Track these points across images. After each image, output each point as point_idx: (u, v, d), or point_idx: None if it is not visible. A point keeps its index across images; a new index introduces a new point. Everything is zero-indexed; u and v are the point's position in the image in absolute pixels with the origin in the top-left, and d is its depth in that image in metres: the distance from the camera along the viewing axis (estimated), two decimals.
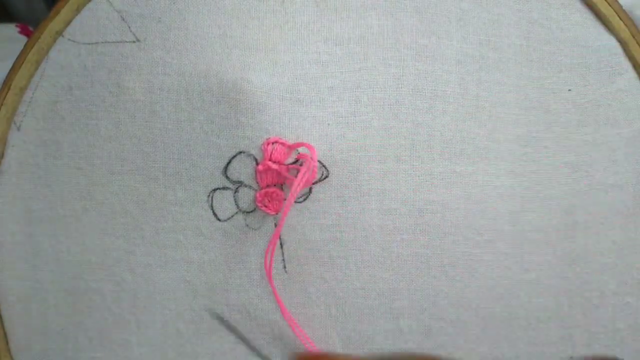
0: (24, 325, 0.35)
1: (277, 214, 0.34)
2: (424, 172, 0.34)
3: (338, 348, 0.35)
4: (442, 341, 0.36)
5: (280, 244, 0.34)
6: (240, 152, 0.33)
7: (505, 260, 0.35)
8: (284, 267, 0.34)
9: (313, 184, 0.33)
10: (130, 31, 0.32)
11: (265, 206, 0.34)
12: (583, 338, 0.36)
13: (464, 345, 0.36)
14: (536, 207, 0.35)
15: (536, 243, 0.35)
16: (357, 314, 0.35)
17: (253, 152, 0.33)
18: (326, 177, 0.33)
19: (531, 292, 0.36)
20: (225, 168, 0.33)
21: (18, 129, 0.34)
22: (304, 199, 0.34)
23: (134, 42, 0.32)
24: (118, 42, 0.32)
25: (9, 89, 0.33)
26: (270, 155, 0.33)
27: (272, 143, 0.33)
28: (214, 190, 0.34)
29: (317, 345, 0.35)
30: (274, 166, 0.33)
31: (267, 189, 0.33)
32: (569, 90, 0.34)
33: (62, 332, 0.35)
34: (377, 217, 0.34)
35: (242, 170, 0.33)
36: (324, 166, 0.33)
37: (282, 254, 0.34)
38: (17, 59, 0.32)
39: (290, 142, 0.33)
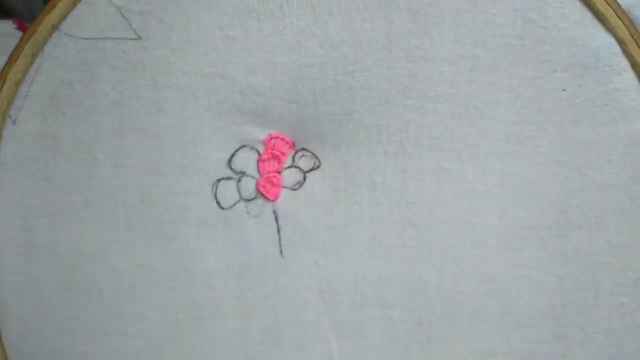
0: (18, 320, 0.36)
1: (275, 200, 0.36)
2: (412, 167, 0.35)
3: (330, 334, 0.37)
4: (432, 333, 0.36)
5: (278, 229, 0.36)
6: (243, 146, 0.35)
7: (496, 256, 0.36)
8: (281, 252, 0.36)
9: (306, 172, 0.35)
10: (131, 28, 0.33)
11: (266, 191, 0.36)
12: (578, 337, 0.36)
13: (454, 338, 0.36)
14: (527, 205, 0.35)
15: (527, 240, 0.35)
16: (348, 301, 0.36)
17: (256, 145, 0.36)
18: (318, 166, 0.35)
19: (523, 289, 0.36)
20: (230, 160, 0.35)
21: (13, 122, 0.34)
22: (299, 187, 0.36)
23: (135, 39, 0.33)
24: (119, 38, 0.33)
25: (4, 82, 0.33)
26: (273, 148, 0.36)
27: (274, 138, 0.35)
28: (219, 180, 0.36)
29: (310, 332, 0.37)
30: (276, 152, 0.35)
31: (269, 175, 0.35)
32: (563, 90, 0.34)
33: (57, 325, 0.36)
34: (366, 207, 0.35)
35: (245, 161, 0.36)
36: (315, 156, 0.35)
37: (279, 239, 0.36)
38: (12, 52, 0.32)
39: (289, 138, 0.35)
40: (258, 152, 0.36)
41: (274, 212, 0.36)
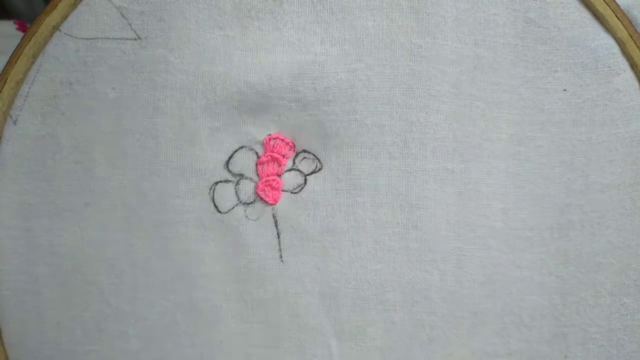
0: (18, 320, 0.36)
1: (275, 204, 0.35)
2: (416, 169, 0.35)
3: (331, 337, 0.36)
4: (433, 335, 0.36)
5: (277, 234, 0.35)
6: (242, 147, 0.35)
7: (498, 257, 0.35)
8: (280, 256, 0.36)
9: (307, 175, 0.35)
10: (131, 28, 0.33)
11: (266, 195, 0.35)
12: (578, 338, 0.36)
13: (455, 340, 0.36)
14: (529, 206, 0.35)
15: (529, 241, 0.35)
16: (349, 305, 0.36)
17: (254, 146, 0.35)
18: (320, 169, 0.35)
19: (524, 290, 0.36)
20: (227, 162, 0.35)
21: (14, 122, 0.34)
22: (300, 190, 0.35)
23: (135, 39, 0.33)
24: (119, 39, 0.33)
25: (5, 82, 0.33)
26: (272, 149, 0.35)
27: (273, 139, 0.35)
28: (216, 183, 0.35)
29: (310, 335, 0.36)
30: (276, 155, 0.35)
31: (268, 178, 0.35)
32: (564, 90, 0.34)
33: (57, 325, 0.36)
34: (369, 210, 0.35)
35: (244, 163, 0.35)
36: (317, 159, 0.35)
37: (279, 243, 0.36)
38: (13, 52, 0.33)
39: (289, 138, 0.35)
40: (257, 153, 0.35)
41: (274, 216, 0.35)
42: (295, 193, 0.35)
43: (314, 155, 0.35)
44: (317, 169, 0.35)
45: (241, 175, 0.35)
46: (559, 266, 0.36)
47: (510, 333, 0.36)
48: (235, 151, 0.35)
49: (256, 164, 0.35)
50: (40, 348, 0.36)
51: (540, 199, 0.35)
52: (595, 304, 0.36)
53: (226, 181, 0.35)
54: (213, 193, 0.35)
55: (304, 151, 0.35)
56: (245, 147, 0.35)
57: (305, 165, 0.35)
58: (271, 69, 0.34)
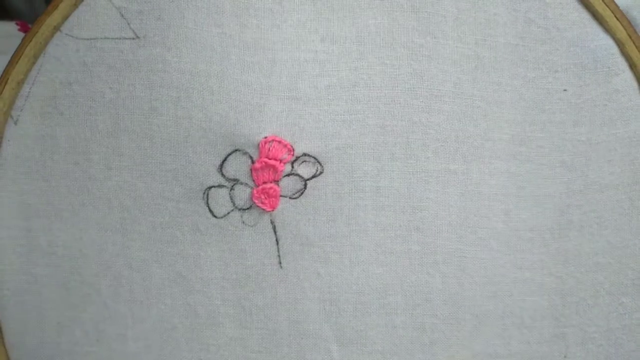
0: (18, 320, 0.36)
1: (273, 210, 0.34)
2: (418, 170, 0.34)
3: (332, 343, 0.36)
4: (435, 338, 0.36)
5: (276, 240, 0.35)
6: (235, 150, 0.34)
7: (499, 259, 0.35)
8: (279, 262, 0.35)
9: (308, 179, 0.34)
10: (130, 28, 0.33)
11: (262, 203, 0.34)
12: (577, 337, 0.37)
13: (457, 342, 0.36)
14: (530, 206, 0.35)
15: (530, 242, 0.35)
16: (350, 310, 0.35)
17: (249, 150, 0.34)
18: (320, 172, 0.34)
19: (524, 291, 0.36)
20: (221, 166, 0.34)
21: (15, 123, 0.34)
22: (299, 195, 0.34)
23: (133, 39, 0.33)
24: (117, 38, 0.33)
25: (6, 82, 0.33)
26: (268, 153, 0.34)
27: (270, 141, 0.34)
28: (209, 188, 0.34)
29: (311, 340, 0.36)
30: (271, 162, 0.33)
31: (264, 185, 0.34)
32: (565, 90, 0.34)
33: (57, 326, 0.36)
34: (371, 213, 0.34)
35: (238, 168, 0.34)
36: (318, 162, 0.34)
37: (278, 250, 0.35)
38: (14, 53, 0.33)
39: (287, 140, 0.34)
40: (251, 157, 0.34)
41: (272, 222, 0.34)
42: (295, 199, 0.34)
43: (314, 158, 0.34)
44: (317, 173, 0.34)
45: (235, 181, 0.34)
46: (559, 266, 0.36)
47: (511, 334, 0.36)
48: (229, 154, 0.34)
49: (250, 170, 0.34)
50: (41, 348, 0.36)
51: (541, 200, 0.35)
52: (594, 303, 0.36)
53: (220, 186, 0.34)
54: (207, 198, 0.34)
55: (304, 154, 0.34)
56: (239, 150, 0.34)
57: (305, 169, 0.34)
58: (270, 67, 0.33)
